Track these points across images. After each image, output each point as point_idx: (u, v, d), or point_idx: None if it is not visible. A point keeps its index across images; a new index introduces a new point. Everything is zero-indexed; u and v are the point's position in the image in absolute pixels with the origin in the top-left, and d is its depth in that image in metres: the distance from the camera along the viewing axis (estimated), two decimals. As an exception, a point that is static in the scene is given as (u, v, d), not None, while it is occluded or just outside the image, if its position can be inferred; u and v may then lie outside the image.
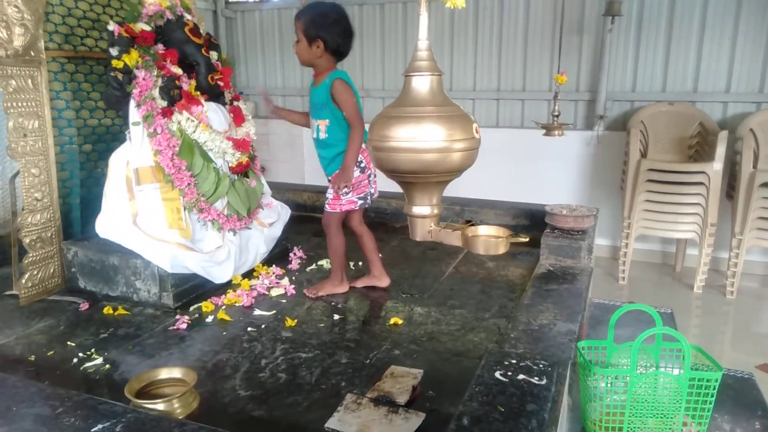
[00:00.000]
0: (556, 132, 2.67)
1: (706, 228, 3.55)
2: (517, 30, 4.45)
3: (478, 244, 0.97)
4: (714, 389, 1.26)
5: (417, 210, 1.02)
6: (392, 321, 1.85)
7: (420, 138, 0.90)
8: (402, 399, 1.30)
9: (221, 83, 2.30)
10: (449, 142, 0.91)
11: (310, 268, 2.38)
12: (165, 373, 1.33)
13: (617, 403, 1.30)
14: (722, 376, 1.98)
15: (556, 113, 2.72)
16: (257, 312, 1.95)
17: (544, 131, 2.71)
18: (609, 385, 1.28)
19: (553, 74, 4.31)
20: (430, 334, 1.77)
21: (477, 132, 0.95)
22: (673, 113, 3.93)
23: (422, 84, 0.94)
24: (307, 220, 3.07)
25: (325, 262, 2.41)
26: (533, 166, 4.32)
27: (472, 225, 0.97)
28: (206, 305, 1.97)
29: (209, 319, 1.90)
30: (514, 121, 4.63)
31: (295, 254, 2.46)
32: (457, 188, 4.49)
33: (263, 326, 1.84)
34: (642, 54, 4.11)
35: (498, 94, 4.63)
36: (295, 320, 1.86)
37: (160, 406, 1.21)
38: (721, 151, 3.48)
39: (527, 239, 0.99)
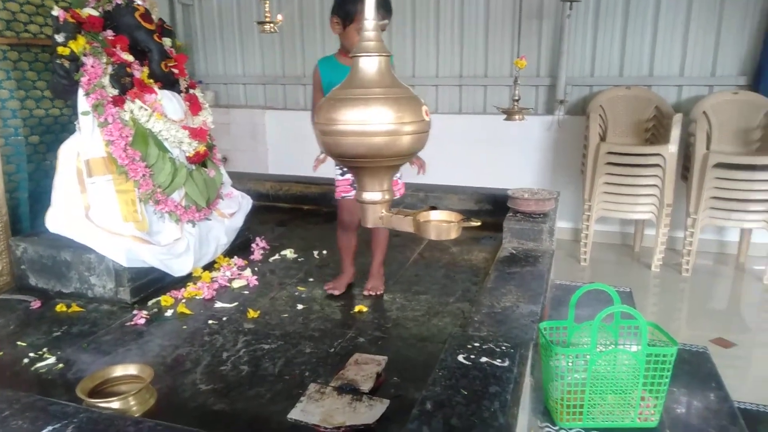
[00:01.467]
0: (517, 116, 2.69)
1: (662, 208, 3.65)
2: (478, 16, 4.46)
3: (430, 229, 0.96)
4: (670, 364, 1.29)
5: (368, 196, 1.00)
6: (357, 309, 1.84)
7: (368, 121, 0.88)
8: (366, 386, 1.29)
9: (175, 71, 2.22)
10: (398, 124, 0.89)
11: (273, 258, 2.34)
12: (120, 371, 1.29)
13: (578, 381, 1.32)
14: (678, 351, 2.06)
15: (517, 98, 2.73)
16: (219, 304, 1.91)
17: (504, 116, 2.72)
18: (570, 364, 1.30)
19: (513, 59, 4.33)
20: (395, 320, 1.77)
21: (427, 114, 0.93)
22: (630, 97, 4.01)
23: (370, 65, 0.92)
24: (270, 210, 3.03)
25: (288, 252, 2.38)
26: (496, 151, 4.35)
27: (427, 210, 0.96)
28: (165, 299, 1.92)
29: (169, 313, 1.85)
30: (476, 107, 4.65)
31: (257, 245, 2.42)
32: (416, 174, 4.46)
33: (225, 319, 1.80)
34: (600, 39, 4.17)
35: (460, 80, 4.64)
36: (258, 311, 1.83)
37: (114, 404, 1.17)
38: (675, 133, 3.57)
39: (479, 223, 0.99)
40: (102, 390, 1.26)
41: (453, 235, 0.97)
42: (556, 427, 1.36)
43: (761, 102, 3.68)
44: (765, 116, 3.67)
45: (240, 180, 3.14)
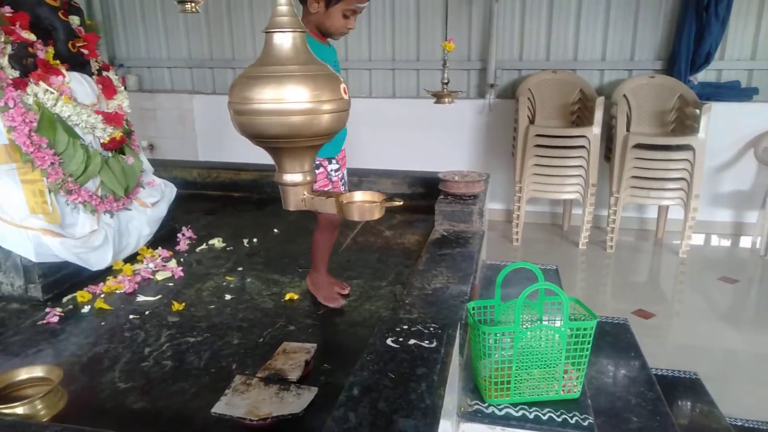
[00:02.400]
0: (446, 99, 2.70)
1: (588, 188, 3.80)
2: (409, 1, 4.44)
3: (353, 210, 0.94)
4: (590, 337, 1.34)
5: (288, 177, 0.96)
6: (288, 297, 1.80)
7: (284, 99, 0.84)
8: (294, 375, 1.27)
9: (85, 51, 2.07)
10: (316, 103, 0.85)
11: (200, 248, 2.26)
12: (25, 373, 1.20)
13: (505, 358, 1.34)
14: (600, 324, 2.15)
15: (446, 81, 2.75)
16: (141, 298, 1.81)
17: (434, 99, 2.73)
18: (496, 342, 1.32)
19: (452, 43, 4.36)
20: (327, 307, 1.75)
21: (345, 93, 0.91)
22: (556, 81, 4.14)
23: (284, 41, 0.87)
24: (198, 198, 2.91)
25: (216, 241, 2.29)
26: (430, 135, 4.39)
27: (350, 191, 0.94)
28: (82, 295, 1.80)
29: (86, 309, 1.74)
30: (410, 90, 4.66)
31: (183, 234, 2.32)
32: (354, 159, 4.44)
33: (147, 313, 1.72)
34: (527, 24, 4.26)
35: (393, 63, 4.62)
36: (183, 304, 1.76)
37: (19, 409, 1.09)
38: (598, 115, 3.72)
39: (401, 203, 0.98)
40: (6, 395, 1.17)
41: (376, 215, 0.95)
42: (485, 404, 1.38)
43: (675, 85, 3.89)
44: (678, 99, 3.88)
45: (165, 167, 3.00)
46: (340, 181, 1.78)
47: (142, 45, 5.20)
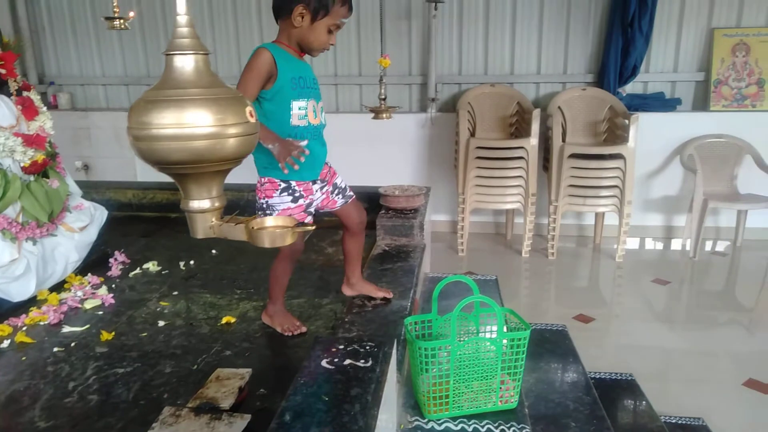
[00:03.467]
0: (384, 115, 2.73)
1: (528, 198, 3.90)
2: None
3: (263, 236, 0.93)
4: (524, 346, 1.36)
5: (195, 204, 0.94)
6: (224, 320, 1.75)
7: (186, 123, 0.82)
8: (227, 403, 1.23)
9: (3, 71, 1.97)
10: (220, 127, 0.84)
11: (133, 273, 2.17)
12: (-71, 420, 1.10)
13: (442, 372, 1.35)
14: (540, 331, 2.19)
15: (383, 96, 2.77)
16: (67, 329, 1.72)
17: (372, 115, 2.75)
18: (432, 356, 1.32)
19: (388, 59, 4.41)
20: (265, 329, 1.71)
21: (252, 116, 0.89)
22: (494, 94, 4.25)
23: (186, 64, 0.86)
24: (133, 221, 2.81)
25: (151, 265, 2.21)
26: (374, 150, 4.40)
27: (261, 216, 0.92)
28: (1, 329, 1.70)
29: (5, 344, 1.64)
30: (353, 105, 4.68)
31: (116, 259, 2.23)
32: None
33: (73, 344, 1.63)
34: (465, 39, 4.37)
35: (335, 79, 4.64)
36: (113, 333, 1.68)
37: None
38: (535, 127, 3.84)
39: (313, 228, 0.97)
40: None
41: (288, 240, 0.94)
42: (425, 420, 1.38)
43: (605, 97, 4.06)
44: (609, 110, 4.06)
45: (97, 189, 2.89)
46: (332, 194, 1.74)
47: (74, 62, 5.01)
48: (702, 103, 4.21)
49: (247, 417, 1.17)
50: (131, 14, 2.58)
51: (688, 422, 2.15)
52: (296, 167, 1.48)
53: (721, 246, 4.26)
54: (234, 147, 0.86)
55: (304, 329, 1.66)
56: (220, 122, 0.82)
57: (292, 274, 1.68)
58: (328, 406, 1.07)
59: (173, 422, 1.15)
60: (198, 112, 0.81)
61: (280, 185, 1.58)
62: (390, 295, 1.78)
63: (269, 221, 0.94)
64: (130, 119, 0.85)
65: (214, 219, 0.94)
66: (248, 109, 0.87)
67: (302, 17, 1.48)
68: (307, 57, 1.64)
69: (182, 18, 0.82)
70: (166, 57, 0.85)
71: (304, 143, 1.51)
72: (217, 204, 0.94)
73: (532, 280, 3.84)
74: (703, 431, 2.12)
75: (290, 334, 1.65)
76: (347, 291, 1.81)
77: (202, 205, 0.93)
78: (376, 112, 2.63)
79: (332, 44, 1.59)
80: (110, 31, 4.82)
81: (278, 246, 0.92)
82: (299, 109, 1.58)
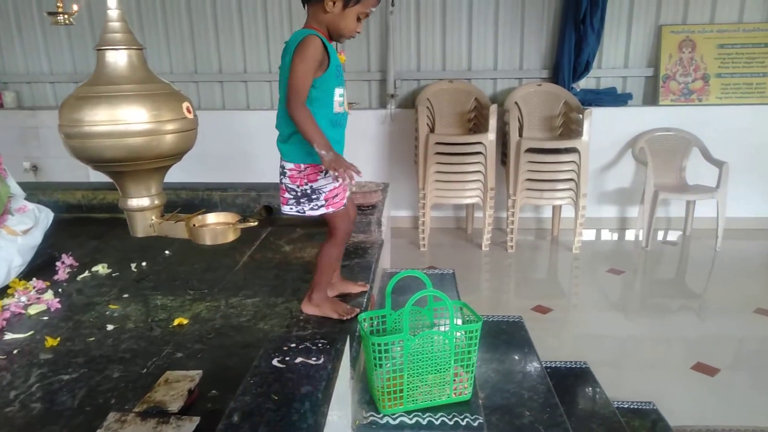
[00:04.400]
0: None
1: (487, 192, 3.96)
2: (300, 12, 4.44)
3: (205, 234, 0.91)
4: (476, 338, 1.38)
5: (134, 202, 0.92)
6: (176, 322, 1.71)
7: (119, 120, 0.79)
8: (175, 406, 1.20)
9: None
10: (156, 123, 0.82)
11: (82, 276, 2.10)
12: None
13: (396, 367, 1.35)
14: (496, 323, 2.22)
15: (339, 92, 2.76)
16: (9, 336, 1.65)
17: (329, 111, 2.73)
18: (386, 351, 1.32)
19: (345, 55, 4.39)
20: (218, 329, 1.68)
21: (190, 112, 0.87)
22: (453, 90, 4.28)
23: (119, 59, 0.83)
24: (82, 223, 2.72)
25: (101, 267, 2.14)
26: (334, 147, 4.38)
27: (203, 213, 0.90)
28: (-62, 338, 1.62)
29: (-59, 354, 1.56)
30: (312, 102, 4.64)
31: (63, 262, 2.15)
32: (253, 173, 4.34)
33: (16, 352, 1.56)
34: (422, 36, 4.39)
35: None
36: (58, 338, 1.62)
37: None
38: (493, 122, 3.89)
39: (256, 223, 0.96)
40: None
41: (230, 237, 0.92)
42: (380, 415, 1.38)
43: (560, 92, 4.15)
44: (564, 105, 4.14)
45: (44, 191, 2.79)
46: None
47: (19, 59, 4.81)
48: (652, 97, 4.34)
49: (196, 419, 1.15)
50: (75, 8, 2.48)
51: (640, 407, 2.22)
52: (348, 181, 1.43)
53: (671, 235, 4.41)
54: (172, 143, 0.84)
55: (357, 310, 1.60)
56: (155, 118, 0.80)
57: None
58: (277, 405, 1.06)
59: (118, 428, 1.12)
60: (132, 109, 0.79)
61: (322, 169, 1.53)
62: (366, 288, 1.76)
63: (211, 218, 0.92)
64: (61, 117, 0.82)
65: (154, 217, 0.92)
66: (185, 104, 0.85)
67: (334, 3, 1.46)
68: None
69: (113, 12, 0.79)
70: (97, 52, 0.83)
71: (360, 174, 1.48)
72: (156, 202, 0.92)
73: (492, 273, 3.90)
74: (653, 415, 2.19)
75: (348, 318, 1.55)
76: (329, 292, 1.78)
77: (142, 203, 0.91)
78: (332, 109, 2.61)
79: (359, 32, 1.57)
80: (58, 29, 4.65)
81: (221, 242, 0.90)
82: (339, 96, 1.56)
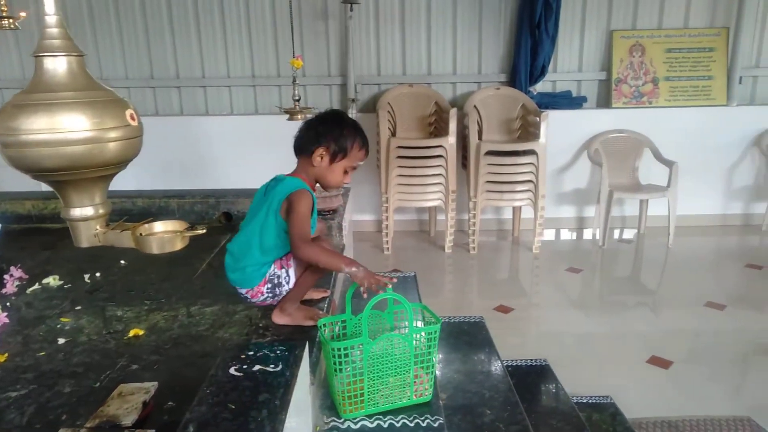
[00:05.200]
0: (299, 116, 2.70)
1: (448, 195, 4.00)
2: (265, 17, 4.41)
3: (151, 243, 0.90)
4: (435, 340, 1.39)
5: (77, 212, 0.89)
6: (132, 333, 1.67)
7: (59, 128, 0.77)
8: (129, 420, 1.17)
9: None
10: (97, 131, 0.80)
11: (31, 289, 2.02)
12: None
13: (357, 371, 1.35)
14: (458, 324, 2.25)
15: (297, 97, 2.75)
16: (-48, 354, 1.58)
17: (287, 116, 2.72)
18: (345, 356, 1.32)
19: (304, 59, 4.38)
20: (176, 339, 1.64)
21: (134, 119, 0.86)
22: (413, 94, 4.32)
23: (58, 66, 0.81)
24: (32, 233, 2.62)
25: (52, 279, 2.07)
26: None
27: (149, 222, 0.89)
28: None
29: None
30: (273, 107, 4.60)
31: (11, 275, 2.07)
32: (215, 178, 4.26)
33: (-41, 371, 1.50)
34: (382, 40, 4.42)
35: (253, 80, 4.55)
36: (6, 354, 1.55)
37: None
38: (453, 126, 3.94)
39: (204, 231, 0.95)
40: None
41: (178, 245, 0.91)
42: (341, 420, 1.38)
43: (518, 96, 4.24)
44: (521, 108, 4.23)
45: (-10, 202, 2.68)
46: None
47: (-38, 64, 4.62)
48: (605, 100, 4.48)
49: (151, 432, 1.12)
50: (22, 14, 2.40)
51: (598, 401, 2.28)
52: (379, 291, 1.39)
53: (627, 234, 4.56)
54: (115, 152, 0.82)
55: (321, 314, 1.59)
56: (97, 126, 0.79)
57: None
58: (234, 414, 1.05)
59: (68, 445, 1.09)
60: (72, 116, 0.77)
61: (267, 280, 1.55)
62: (327, 293, 1.76)
63: (158, 226, 0.91)
64: (-4, 125, 0.79)
65: (98, 227, 0.90)
66: (129, 111, 0.84)
67: (321, 158, 1.55)
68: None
69: (51, 18, 0.77)
70: (35, 59, 0.80)
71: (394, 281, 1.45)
72: (101, 211, 0.90)
73: (455, 274, 3.94)
74: (611, 408, 2.26)
75: (313, 322, 1.54)
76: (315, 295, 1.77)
77: (85, 212, 0.89)
78: (291, 114, 2.61)
79: (346, 182, 1.65)
80: (5, 32, 4.48)
81: (168, 251, 0.89)
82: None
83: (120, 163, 0.85)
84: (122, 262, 2.27)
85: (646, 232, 4.47)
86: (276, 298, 1.58)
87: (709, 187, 4.51)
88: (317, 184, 1.66)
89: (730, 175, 4.51)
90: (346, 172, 1.62)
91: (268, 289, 1.55)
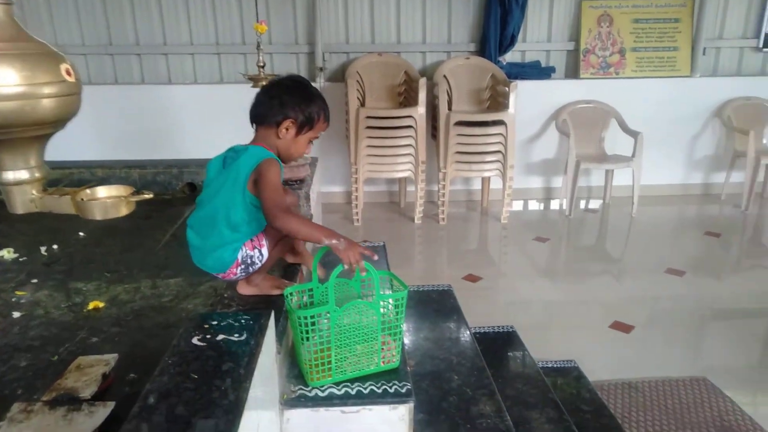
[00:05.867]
0: (264, 83, 2.62)
1: (418, 166, 3.99)
2: (228, -21, 4.25)
3: (93, 208, 0.86)
4: (402, 306, 1.38)
5: (10, 176, 0.84)
6: (91, 306, 1.62)
7: (-14, 82, 0.72)
8: (88, 392, 1.14)
9: None
10: (29, 86, 0.74)
11: (-17, 263, 1.94)
12: None
13: (324, 339, 1.34)
14: (427, 292, 2.26)
15: (262, 64, 2.66)
16: None
17: (252, 84, 2.64)
18: (312, 324, 1.31)
19: (271, 27, 4.26)
20: (138, 311, 1.61)
21: (70, 74, 0.80)
22: (382, 63, 4.25)
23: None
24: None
25: (6, 252, 1.99)
26: (262, 122, 4.24)
27: (92, 186, 0.84)
28: None
29: None
30: (238, 75, 4.47)
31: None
32: (177, 150, 4.15)
33: None
34: (350, 7, 4.31)
35: (218, 48, 4.40)
36: (-44, 330, 1.50)
37: None
38: (422, 96, 3.90)
39: (151, 196, 0.91)
40: None
41: (124, 211, 0.87)
42: (309, 388, 1.37)
43: (487, 65, 4.21)
44: (491, 78, 4.21)
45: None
46: None
47: None
48: (573, 71, 4.50)
49: (111, 404, 1.10)
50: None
51: (562, 366, 2.34)
52: (364, 272, 1.35)
53: (593, 204, 4.64)
54: (49, 109, 0.77)
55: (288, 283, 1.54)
56: (28, 81, 0.73)
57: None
58: (197, 384, 1.03)
59: (24, 419, 1.05)
60: (1, 70, 0.71)
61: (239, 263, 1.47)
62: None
63: (101, 191, 0.86)
64: None
65: (34, 191, 0.84)
66: (64, 66, 0.78)
67: (287, 130, 1.49)
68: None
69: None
70: (-43, 5, 0.74)
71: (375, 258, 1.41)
72: (37, 174, 0.84)
73: (424, 245, 3.96)
74: (575, 372, 2.32)
75: (279, 290, 1.50)
76: (290, 259, 1.73)
77: (19, 176, 0.83)
78: (255, 81, 2.53)
79: (307, 153, 1.61)
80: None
81: (112, 217, 0.85)
82: None
83: (56, 122, 0.79)
84: (81, 234, 2.19)
85: (611, 202, 4.55)
86: (256, 269, 1.52)
87: (672, 158, 4.60)
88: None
89: (692, 146, 4.61)
90: (310, 142, 1.57)
91: (241, 270, 1.48)
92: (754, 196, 4.33)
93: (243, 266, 1.47)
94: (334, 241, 1.37)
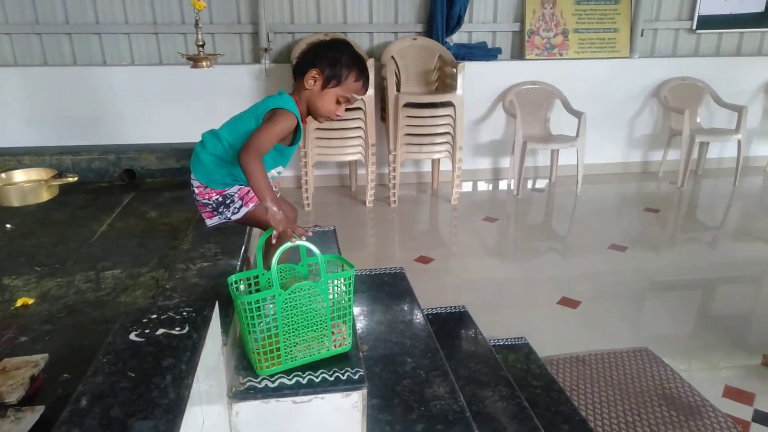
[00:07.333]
0: (204, 63, 2.51)
1: (368, 149, 3.95)
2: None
3: (10, 193, 0.78)
4: (350, 287, 1.35)
5: None
6: (19, 303, 1.51)
7: None
8: (15, 396, 1.06)
9: None
10: None
11: None
12: None
13: (271, 325, 1.30)
14: (379, 275, 2.24)
15: (201, 43, 2.55)
16: None
17: (191, 64, 2.52)
18: (257, 310, 1.26)
19: (211, 6, 4.09)
20: (71, 307, 1.51)
21: None
22: (329, 44, 4.15)
23: None
24: None
25: None
26: (205, 103, 4.09)
27: (7, 170, 0.77)
28: None
29: None
30: (178, 56, 4.28)
31: None
32: (111, 136, 3.97)
33: None
34: (295, -14, 4.19)
35: (155, 27, 4.19)
36: None
37: None
38: (371, 77, 3.84)
39: (75, 179, 0.85)
40: None
41: (45, 196, 0.81)
42: (258, 378, 1.33)
43: (435, 46, 4.19)
44: (439, 59, 4.20)
45: None
46: None
47: None
48: (519, 52, 4.54)
49: (40, 408, 1.02)
50: None
51: (513, 342, 2.38)
52: (294, 240, 1.32)
53: (539, 183, 4.74)
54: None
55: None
56: None
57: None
58: (134, 383, 0.97)
59: (-59, 430, 0.97)
60: None
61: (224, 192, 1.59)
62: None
63: (19, 175, 0.79)
64: None
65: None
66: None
67: (314, 80, 1.50)
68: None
69: None
70: None
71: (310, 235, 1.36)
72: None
73: (376, 228, 3.94)
74: (525, 348, 2.37)
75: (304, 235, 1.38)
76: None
77: None
78: (195, 60, 2.42)
79: (339, 115, 1.57)
80: None
81: (32, 203, 0.77)
82: (277, 173, 1.62)
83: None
84: (8, 225, 2.04)
85: (557, 181, 4.66)
86: (215, 218, 1.62)
87: (613, 137, 4.74)
88: (310, 114, 1.58)
89: (632, 125, 4.77)
90: (339, 103, 1.55)
91: (217, 200, 1.55)
92: (689, 173, 4.53)
93: (221, 198, 1.57)
94: (274, 209, 1.37)
